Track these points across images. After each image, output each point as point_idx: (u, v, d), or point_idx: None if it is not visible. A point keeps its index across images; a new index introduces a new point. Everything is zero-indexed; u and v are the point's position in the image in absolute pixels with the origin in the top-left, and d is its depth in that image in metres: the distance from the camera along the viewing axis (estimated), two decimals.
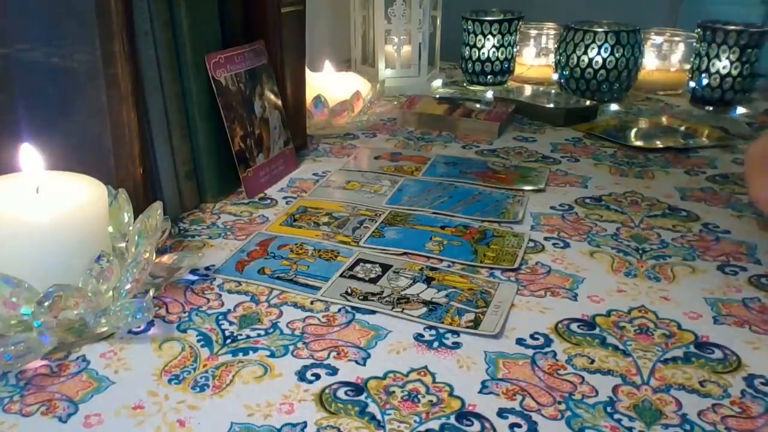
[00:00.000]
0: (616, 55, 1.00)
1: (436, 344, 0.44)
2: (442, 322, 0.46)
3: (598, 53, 1.00)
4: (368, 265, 0.53)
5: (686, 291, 0.51)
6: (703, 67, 0.99)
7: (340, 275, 0.52)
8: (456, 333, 0.45)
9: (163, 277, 0.50)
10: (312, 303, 0.48)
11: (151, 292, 0.48)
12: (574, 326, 0.46)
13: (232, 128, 0.64)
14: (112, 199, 0.49)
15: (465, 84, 1.17)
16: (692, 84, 1.02)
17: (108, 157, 0.54)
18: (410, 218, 0.62)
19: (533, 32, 1.17)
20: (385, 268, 0.53)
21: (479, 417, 0.37)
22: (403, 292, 0.49)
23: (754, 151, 0.55)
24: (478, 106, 0.94)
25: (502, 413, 0.37)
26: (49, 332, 0.40)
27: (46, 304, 0.39)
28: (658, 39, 1.11)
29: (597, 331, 0.45)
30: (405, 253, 0.55)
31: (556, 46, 1.08)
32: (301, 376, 0.40)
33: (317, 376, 0.40)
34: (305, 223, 0.61)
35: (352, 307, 0.48)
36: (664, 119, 0.94)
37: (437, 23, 1.11)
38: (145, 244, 0.45)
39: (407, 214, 0.63)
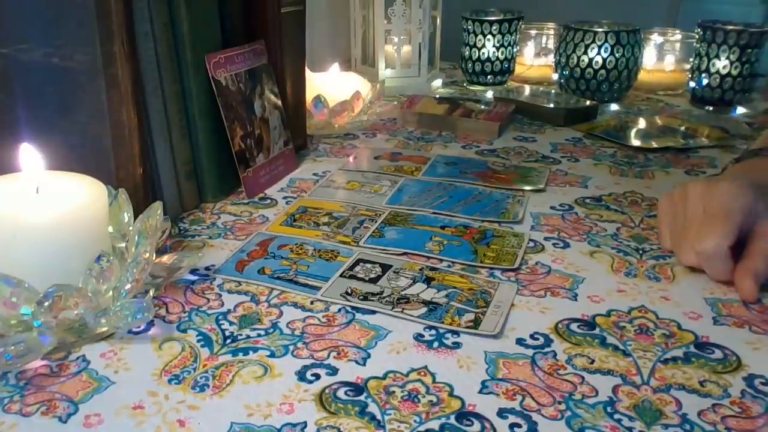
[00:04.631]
0: (616, 55, 1.00)
1: (436, 344, 0.44)
2: (442, 322, 0.46)
3: (598, 53, 1.00)
4: (368, 265, 0.53)
5: (686, 291, 0.51)
6: (703, 67, 0.99)
7: (340, 275, 0.52)
8: (456, 333, 0.45)
9: (163, 277, 0.50)
10: (312, 303, 0.48)
11: (151, 292, 0.48)
12: (574, 326, 0.46)
13: (232, 128, 0.64)
14: (112, 199, 0.49)
15: (465, 84, 1.17)
16: (692, 84, 1.02)
17: (108, 158, 0.54)
18: (410, 218, 0.62)
19: (533, 32, 1.17)
20: (385, 268, 0.53)
21: (479, 417, 0.37)
22: (403, 292, 0.49)
23: (664, 202, 0.58)
24: (478, 106, 0.94)
25: (502, 413, 0.37)
26: (49, 332, 0.40)
27: (46, 304, 0.39)
28: (658, 39, 1.11)
29: (597, 331, 0.45)
30: (405, 253, 0.55)
31: (556, 46, 1.08)
32: (301, 376, 0.40)
33: (317, 376, 0.40)
34: (305, 223, 0.61)
35: (352, 307, 0.48)
36: (662, 119, 0.94)
37: (437, 23, 1.11)
38: (145, 244, 0.45)
39: (407, 214, 0.63)
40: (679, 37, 1.11)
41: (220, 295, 0.49)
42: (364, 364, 0.41)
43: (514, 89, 1.08)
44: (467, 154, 0.81)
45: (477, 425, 0.37)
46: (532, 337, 0.44)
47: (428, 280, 0.51)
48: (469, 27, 1.11)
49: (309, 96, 0.82)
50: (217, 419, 0.37)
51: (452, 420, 0.37)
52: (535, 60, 1.18)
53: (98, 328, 0.43)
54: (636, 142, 0.84)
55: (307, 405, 0.38)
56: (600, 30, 1.00)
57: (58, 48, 0.51)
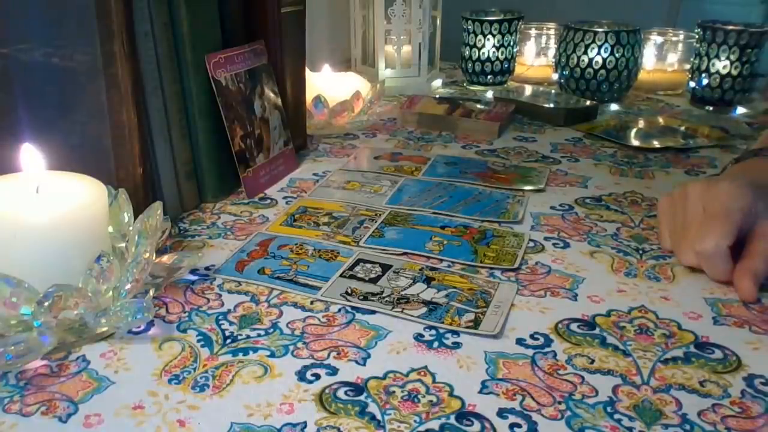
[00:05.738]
0: (616, 55, 1.00)
1: (436, 344, 0.44)
2: (442, 322, 0.46)
3: (598, 53, 1.00)
4: (368, 265, 0.53)
5: (686, 291, 0.51)
6: (703, 67, 0.99)
7: (340, 275, 0.52)
8: (456, 333, 0.45)
9: (163, 277, 0.50)
10: (312, 303, 0.48)
11: (151, 292, 0.48)
12: (574, 326, 0.46)
13: (232, 128, 0.64)
14: (112, 199, 0.49)
15: (465, 84, 1.17)
16: (692, 84, 1.02)
17: (108, 158, 0.54)
18: (410, 218, 0.62)
19: (533, 32, 1.17)
20: (385, 268, 0.53)
21: (479, 417, 0.37)
22: (403, 292, 0.49)
23: (664, 202, 0.58)
24: (478, 106, 0.94)
25: (502, 413, 0.37)
26: (49, 332, 0.40)
27: (46, 304, 0.39)
28: (658, 39, 1.11)
29: (597, 331, 0.45)
30: (405, 253, 0.55)
31: (556, 46, 1.08)
32: (301, 376, 0.40)
33: (317, 376, 0.40)
34: (305, 223, 0.61)
35: (352, 307, 0.48)
36: (663, 119, 0.94)
37: (437, 23, 1.11)
38: (145, 244, 0.45)
39: (407, 214, 0.63)
40: (679, 37, 1.11)
41: (220, 295, 0.49)
42: (364, 364, 0.41)
43: (514, 89, 1.08)
44: (467, 154, 0.81)
45: (477, 425, 0.37)
46: (532, 337, 0.44)
47: (428, 280, 0.51)
48: (469, 27, 1.11)
49: (309, 96, 0.82)
50: (217, 419, 0.37)
51: (452, 420, 0.37)
52: (535, 60, 1.18)
53: (98, 328, 0.43)
54: (636, 142, 0.84)
55: (307, 405, 0.38)
56: (600, 30, 1.00)
57: (58, 48, 0.51)
